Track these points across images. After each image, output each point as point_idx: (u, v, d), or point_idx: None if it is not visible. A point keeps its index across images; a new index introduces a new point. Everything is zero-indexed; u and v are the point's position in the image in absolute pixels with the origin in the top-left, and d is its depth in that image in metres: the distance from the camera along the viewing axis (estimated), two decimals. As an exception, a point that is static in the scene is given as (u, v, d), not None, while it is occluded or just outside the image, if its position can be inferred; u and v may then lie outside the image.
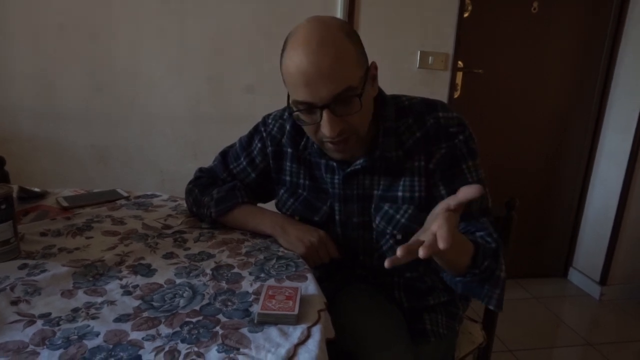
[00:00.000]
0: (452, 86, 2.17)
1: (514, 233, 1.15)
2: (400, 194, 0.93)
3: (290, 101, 0.85)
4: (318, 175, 1.00)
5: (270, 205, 1.09)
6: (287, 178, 1.04)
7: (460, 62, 2.20)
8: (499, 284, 0.86)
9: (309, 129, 0.88)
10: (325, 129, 0.82)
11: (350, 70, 0.80)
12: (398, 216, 0.94)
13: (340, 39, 0.79)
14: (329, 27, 0.80)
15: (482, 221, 0.91)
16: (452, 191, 0.90)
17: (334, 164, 0.96)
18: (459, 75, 2.23)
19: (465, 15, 2.14)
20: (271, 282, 0.83)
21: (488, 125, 2.36)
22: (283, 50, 0.83)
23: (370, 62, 0.87)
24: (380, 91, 0.96)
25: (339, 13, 1.96)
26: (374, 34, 2.02)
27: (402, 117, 0.93)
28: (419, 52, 2.08)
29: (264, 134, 1.05)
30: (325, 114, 0.81)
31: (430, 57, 2.10)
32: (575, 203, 2.60)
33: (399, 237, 0.95)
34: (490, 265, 0.83)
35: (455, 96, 2.24)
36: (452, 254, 0.78)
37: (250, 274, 0.85)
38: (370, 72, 0.86)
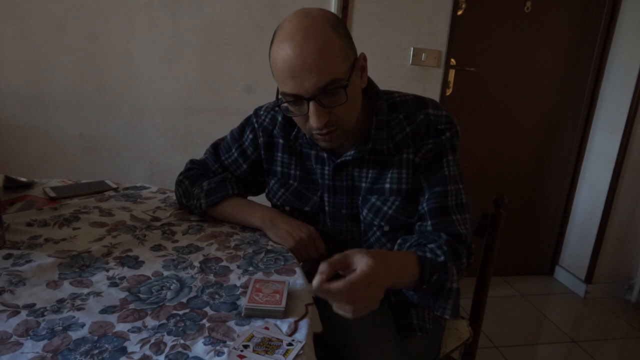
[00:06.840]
0: (445, 83, 2.18)
1: (501, 230, 1.16)
2: (387, 186, 0.94)
3: (279, 93, 0.85)
4: (309, 166, 1.01)
5: (261, 199, 1.09)
6: (279, 168, 1.04)
7: (452, 60, 2.20)
8: (450, 294, 0.87)
9: (298, 120, 0.89)
10: (312, 120, 0.83)
11: (335, 63, 0.80)
12: (385, 208, 0.95)
13: (326, 31, 0.79)
14: (315, 19, 0.80)
15: (455, 219, 0.92)
16: (430, 183, 0.91)
17: (324, 155, 0.97)
18: (451, 72, 2.23)
19: (459, 13, 2.14)
20: (259, 276, 0.82)
21: (479, 123, 2.38)
22: (271, 43, 0.84)
23: (359, 53, 0.87)
24: (373, 84, 0.96)
25: (332, 9, 1.95)
26: (367, 30, 2.02)
27: (393, 112, 0.94)
28: (411, 48, 2.08)
29: (256, 125, 1.05)
30: (312, 106, 0.81)
31: (423, 54, 2.09)
32: (563, 202, 2.63)
33: (386, 228, 0.96)
34: (439, 279, 0.85)
35: (447, 93, 2.24)
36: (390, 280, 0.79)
37: (238, 267, 0.85)
38: (358, 63, 0.86)
